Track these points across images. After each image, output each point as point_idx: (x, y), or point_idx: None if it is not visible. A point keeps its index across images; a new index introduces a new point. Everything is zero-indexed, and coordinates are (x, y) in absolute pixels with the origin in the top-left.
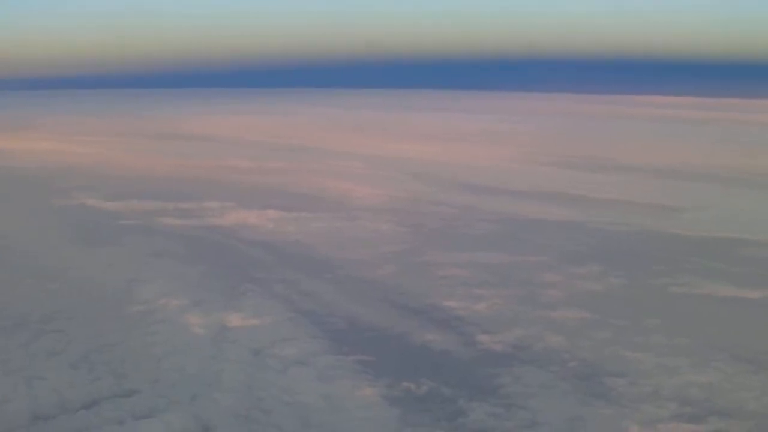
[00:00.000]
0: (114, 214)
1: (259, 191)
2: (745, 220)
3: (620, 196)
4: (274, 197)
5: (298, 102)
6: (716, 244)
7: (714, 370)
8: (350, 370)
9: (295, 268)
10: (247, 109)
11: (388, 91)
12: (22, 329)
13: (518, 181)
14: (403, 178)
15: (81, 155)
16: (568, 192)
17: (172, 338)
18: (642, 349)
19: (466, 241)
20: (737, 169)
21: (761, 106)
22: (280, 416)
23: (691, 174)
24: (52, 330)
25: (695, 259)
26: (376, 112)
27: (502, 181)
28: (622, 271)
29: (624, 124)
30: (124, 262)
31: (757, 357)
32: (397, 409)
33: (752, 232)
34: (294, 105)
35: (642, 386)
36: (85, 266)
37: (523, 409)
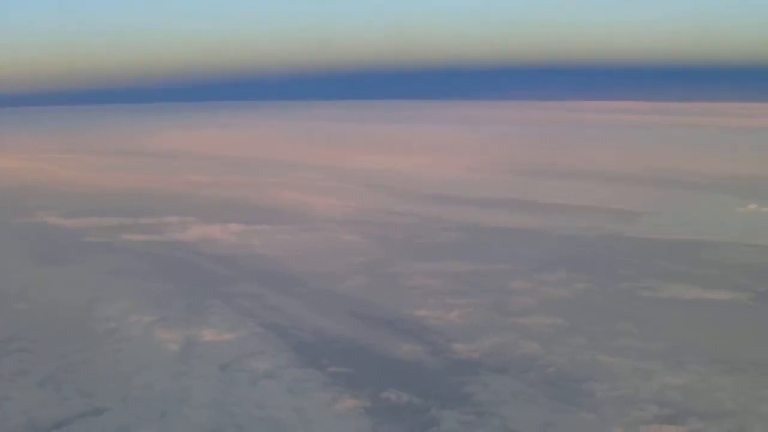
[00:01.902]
0: (75, 231)
1: (221, 205)
2: (703, 222)
3: (581, 202)
4: (236, 211)
5: (261, 115)
6: (677, 247)
7: (689, 372)
8: (321, 383)
9: (262, 282)
10: (208, 123)
11: (356, 102)
12: None
13: (481, 189)
14: (367, 190)
15: (41, 173)
16: (530, 199)
17: (138, 355)
18: (617, 354)
19: (433, 250)
20: (694, 172)
21: (718, 109)
22: (253, 430)
23: (649, 178)
24: (17, 350)
25: (658, 263)
26: (340, 124)
27: (465, 191)
28: (589, 276)
29: (585, 130)
30: (86, 280)
31: (729, 358)
32: (368, 421)
33: (711, 234)
34: (257, 118)
35: (621, 390)
36: (47, 285)
37: (496, 417)
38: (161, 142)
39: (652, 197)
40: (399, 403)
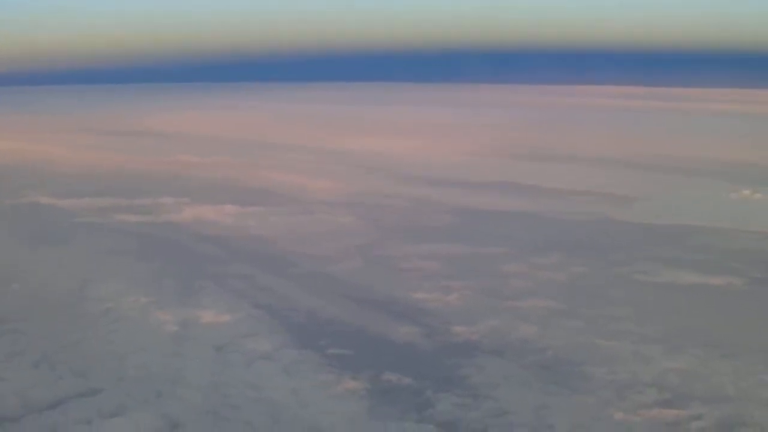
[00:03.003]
0: (68, 212)
1: (216, 187)
2: (697, 208)
3: (575, 187)
4: (231, 192)
5: (258, 97)
6: (670, 232)
7: (688, 357)
8: (317, 365)
9: (256, 263)
10: (205, 104)
11: (352, 84)
12: None
13: (474, 173)
14: (362, 172)
15: (32, 152)
16: (524, 183)
17: (132, 336)
18: (614, 338)
19: (427, 233)
20: (688, 158)
21: (712, 95)
22: (249, 411)
23: (643, 164)
24: (10, 331)
25: (652, 247)
26: (336, 106)
27: (458, 173)
28: (584, 260)
29: (579, 115)
30: (80, 260)
31: (727, 342)
32: (365, 402)
33: (702, 220)
34: (253, 100)
35: (620, 374)
36: (41, 266)
37: (491, 399)
38: (157, 122)
39: (647, 182)
40: (395, 386)
